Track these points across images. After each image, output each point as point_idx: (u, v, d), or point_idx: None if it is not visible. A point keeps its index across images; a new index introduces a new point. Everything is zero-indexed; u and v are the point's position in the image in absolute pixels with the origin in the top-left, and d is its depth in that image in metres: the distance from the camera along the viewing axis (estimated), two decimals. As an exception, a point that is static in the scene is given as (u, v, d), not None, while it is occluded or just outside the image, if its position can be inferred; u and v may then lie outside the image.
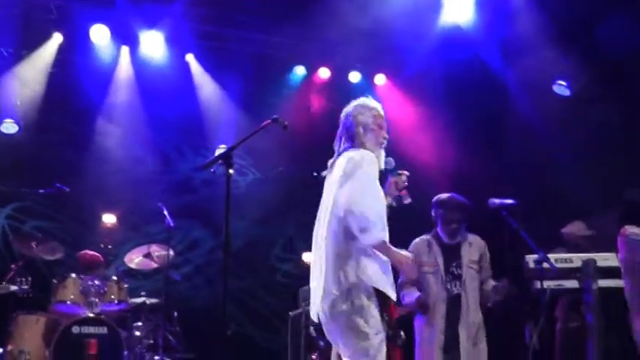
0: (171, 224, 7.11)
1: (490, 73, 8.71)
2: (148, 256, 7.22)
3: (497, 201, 5.32)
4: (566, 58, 7.95)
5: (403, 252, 3.79)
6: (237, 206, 8.44)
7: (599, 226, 6.80)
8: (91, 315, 6.69)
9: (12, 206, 8.53)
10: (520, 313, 5.69)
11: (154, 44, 8.89)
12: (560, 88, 8.17)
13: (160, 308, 7.04)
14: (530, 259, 5.38)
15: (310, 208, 9.84)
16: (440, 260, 5.54)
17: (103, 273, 7.20)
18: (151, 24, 8.76)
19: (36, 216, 8.49)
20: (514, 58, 8.49)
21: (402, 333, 3.79)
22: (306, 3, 8.00)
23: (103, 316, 6.72)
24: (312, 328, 7.26)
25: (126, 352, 6.62)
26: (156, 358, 6.77)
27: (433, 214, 5.72)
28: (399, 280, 5.54)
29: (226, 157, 4.01)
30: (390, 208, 3.99)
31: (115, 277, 7.07)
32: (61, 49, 8.65)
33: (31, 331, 6.62)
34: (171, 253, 7.19)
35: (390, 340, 3.62)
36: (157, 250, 7.24)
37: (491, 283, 5.64)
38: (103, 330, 6.60)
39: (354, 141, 3.91)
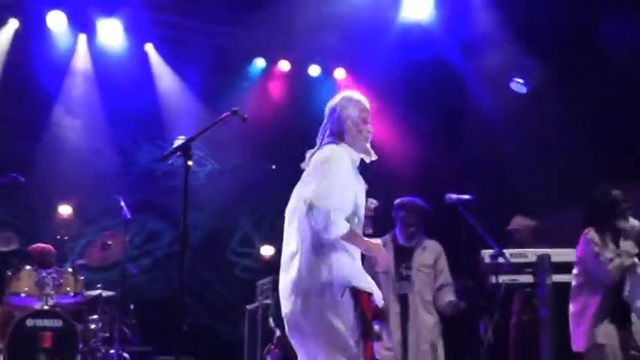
0: (128, 216, 7.04)
1: (449, 70, 8.79)
2: (104, 247, 7.12)
3: (454, 196, 5.37)
4: (524, 55, 8.06)
5: (373, 240, 3.79)
6: (197, 198, 8.42)
7: (555, 222, 6.94)
8: (46, 308, 6.58)
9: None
10: (475, 307, 5.77)
11: (111, 33, 8.77)
12: (518, 85, 8.28)
13: (116, 301, 6.96)
14: (486, 254, 5.50)
15: (268, 201, 9.91)
16: (391, 261, 5.61)
17: (58, 265, 7.08)
18: (109, 12, 8.65)
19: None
20: (473, 55, 8.59)
21: (376, 327, 3.81)
22: (267, -5, 8.01)
23: (58, 309, 6.61)
24: (270, 319, 7.30)
25: (81, 346, 6.53)
26: (111, 351, 6.70)
27: (393, 215, 5.79)
28: None
29: (185, 149, 3.96)
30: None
31: (70, 269, 6.95)
32: (17, 36, 8.48)
33: (-16, 323, 6.51)
34: (128, 245, 7.12)
35: (364, 335, 3.62)
36: (113, 242, 7.14)
37: (450, 297, 5.70)
38: (58, 323, 6.48)
39: (337, 135, 3.87)
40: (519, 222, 6.58)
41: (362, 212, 3.79)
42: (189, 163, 3.94)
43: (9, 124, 8.49)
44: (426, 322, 5.61)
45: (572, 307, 5.15)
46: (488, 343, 5.41)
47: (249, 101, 9.21)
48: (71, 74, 8.80)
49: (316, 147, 3.88)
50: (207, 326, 8.85)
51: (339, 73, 9.72)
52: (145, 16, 8.71)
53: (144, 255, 8.86)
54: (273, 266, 8.57)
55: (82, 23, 8.73)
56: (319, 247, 3.62)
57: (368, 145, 3.91)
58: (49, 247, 7.19)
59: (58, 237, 7.29)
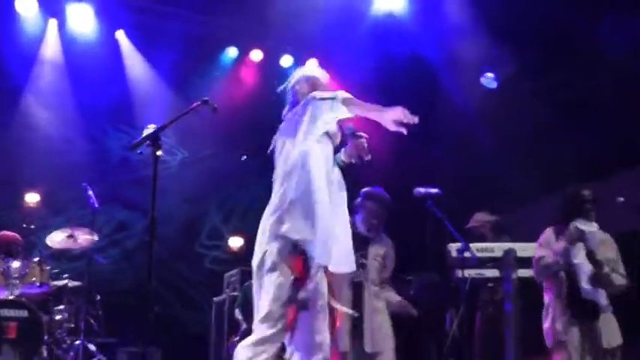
0: (96, 205, 6.97)
1: (422, 62, 8.82)
2: (71, 237, 7.03)
3: (422, 190, 5.37)
4: (497, 48, 8.09)
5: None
6: (167, 188, 8.38)
7: (527, 216, 7.00)
8: (11, 298, 6.49)
9: None
10: (441, 300, 5.81)
11: (82, 18, 8.67)
12: (488, 80, 8.30)
13: (82, 291, 6.89)
14: (453, 247, 5.48)
15: (238, 192, 9.85)
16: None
17: (24, 254, 6.99)
18: (80, -5, 8.57)
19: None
20: (446, 48, 8.61)
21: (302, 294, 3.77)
22: (240, -16, 7.96)
23: (23, 299, 6.51)
24: (237, 311, 7.29)
25: (46, 337, 6.46)
26: (77, 342, 6.62)
27: (358, 203, 5.76)
28: None
29: (154, 138, 3.91)
30: (350, 164, 4.07)
31: (36, 259, 6.87)
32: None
33: (-52, 313, 6.41)
34: (96, 235, 7.05)
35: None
36: (80, 232, 7.05)
37: (396, 297, 5.74)
38: (24, 313, 6.37)
39: None
40: (480, 218, 6.58)
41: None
42: (159, 152, 3.88)
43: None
44: (378, 307, 5.64)
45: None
46: (454, 336, 5.46)
47: (221, 90, 9.17)
48: (40, 61, 8.69)
49: None
50: (174, 317, 8.81)
51: (312, 64, 9.68)
52: (116, 1, 8.62)
53: (112, 245, 8.79)
54: (241, 258, 8.58)
55: (52, 8, 8.62)
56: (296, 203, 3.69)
57: None
58: (16, 235, 7.08)
59: (25, 226, 7.19)
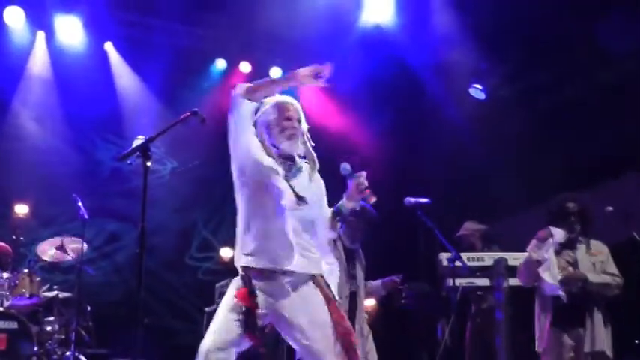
0: (86, 216, 6.97)
1: (410, 73, 8.88)
2: (61, 248, 7.02)
3: (412, 200, 5.43)
4: (484, 60, 8.17)
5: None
6: (158, 199, 8.35)
7: (515, 226, 7.06)
8: (1, 309, 6.46)
9: None
10: (432, 310, 5.85)
11: (71, 30, 8.67)
12: (476, 91, 8.37)
13: (72, 302, 6.87)
14: (444, 257, 5.54)
15: (227, 203, 9.80)
16: (343, 259, 5.67)
17: (14, 265, 6.96)
18: (69, 8, 8.56)
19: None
20: (433, 59, 8.68)
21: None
22: (229, -4, 8.00)
23: (13, 311, 6.50)
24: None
25: (36, 348, 6.43)
26: (67, 353, 6.59)
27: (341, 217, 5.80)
28: None
29: (144, 150, 3.93)
30: (354, 211, 4.03)
31: (26, 270, 6.84)
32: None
33: (-62, 324, 6.37)
34: (86, 246, 7.03)
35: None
36: (70, 243, 7.04)
37: (373, 282, 5.91)
38: (14, 325, 6.37)
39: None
40: (469, 227, 6.65)
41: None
42: (148, 164, 3.90)
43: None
44: (365, 316, 5.73)
45: None
46: (446, 345, 5.50)
47: (210, 102, 9.17)
48: (29, 72, 8.66)
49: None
50: (166, 328, 8.77)
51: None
52: (104, 13, 8.62)
53: (102, 256, 8.74)
54: (232, 268, 8.56)
55: (40, 20, 8.61)
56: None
57: (295, 142, 3.90)
58: (6, 246, 7.07)
59: (14, 237, 7.16)
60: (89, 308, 7.08)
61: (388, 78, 8.88)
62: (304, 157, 3.96)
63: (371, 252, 5.87)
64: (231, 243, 9.58)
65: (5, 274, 6.69)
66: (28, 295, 6.74)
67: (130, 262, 8.60)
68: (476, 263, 5.64)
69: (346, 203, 3.86)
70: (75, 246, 7.00)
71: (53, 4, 8.52)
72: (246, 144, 3.81)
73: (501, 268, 5.57)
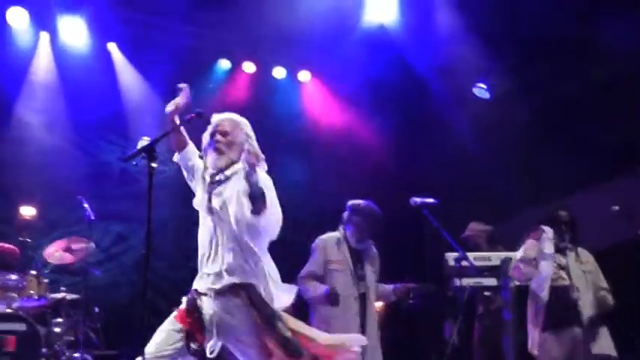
0: (92, 217, 6.98)
1: (413, 73, 8.89)
2: (67, 250, 7.03)
3: (418, 200, 5.45)
4: (488, 59, 8.17)
5: None
6: (165, 198, 8.35)
7: (518, 226, 7.08)
8: (9, 311, 6.47)
9: None
10: (439, 310, 5.87)
11: (74, 31, 8.66)
12: (481, 91, 8.37)
13: (80, 304, 6.88)
14: (450, 257, 5.54)
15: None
16: (349, 260, 5.68)
17: (21, 267, 6.96)
18: (72, 9, 8.55)
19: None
20: (437, 59, 8.69)
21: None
22: (233, -4, 8.01)
23: (21, 312, 6.49)
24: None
25: (45, 350, 6.44)
26: (76, 355, 6.61)
27: (346, 217, 5.82)
28: (300, 274, 5.68)
29: (149, 150, 3.95)
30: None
31: (34, 272, 6.85)
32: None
33: (-54, 327, 6.39)
34: (92, 247, 7.05)
35: None
36: (77, 244, 7.05)
37: (386, 286, 5.91)
38: (22, 327, 6.37)
39: None
40: (475, 227, 6.67)
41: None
42: (154, 164, 3.93)
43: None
44: (376, 316, 5.73)
45: None
46: (453, 345, 5.51)
47: (214, 102, 9.18)
48: (32, 74, 8.65)
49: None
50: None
51: (304, 76, 9.76)
52: (108, 13, 8.62)
53: (109, 258, 8.74)
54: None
55: (43, 21, 8.61)
56: None
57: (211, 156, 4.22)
58: (14, 248, 7.07)
59: (21, 239, 7.17)
60: (97, 310, 7.10)
61: (391, 78, 8.89)
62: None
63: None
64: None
65: (13, 276, 6.68)
66: (36, 297, 6.75)
67: (138, 263, 8.60)
68: (482, 263, 5.65)
69: None
70: (81, 247, 7.01)
71: (57, 5, 8.51)
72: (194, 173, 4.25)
73: (508, 267, 5.58)
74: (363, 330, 5.54)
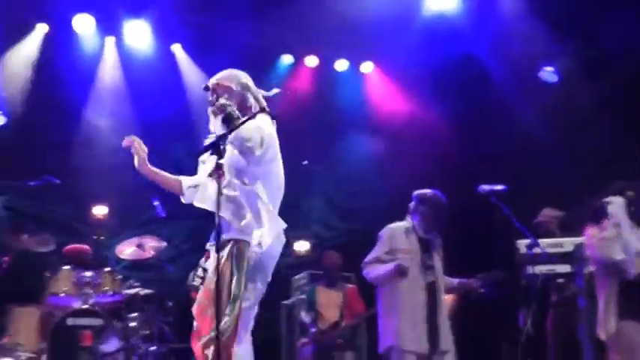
0: (163, 215, 7.11)
1: (476, 60, 8.78)
2: (140, 247, 7.17)
3: (487, 187, 5.39)
4: (553, 44, 8.01)
5: None
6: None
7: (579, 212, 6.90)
8: (86, 307, 6.68)
9: (1, 198, 8.43)
10: (512, 298, 5.77)
11: (139, 34, 8.84)
12: (548, 74, 8.21)
13: (154, 299, 7.03)
14: (522, 244, 5.45)
15: (301, 196, 9.81)
16: (418, 250, 5.65)
17: (95, 264, 7.15)
18: (136, 13, 8.72)
19: (25, 208, 8.39)
20: (500, 45, 8.56)
21: None
22: (293, -9, 8.04)
23: (97, 308, 6.70)
24: (303, 314, 7.37)
25: (121, 343, 6.60)
26: (151, 348, 6.76)
27: (413, 206, 5.79)
28: (364, 260, 5.67)
29: (216, 146, 3.98)
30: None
31: (108, 269, 7.04)
32: (45, 40, 8.56)
33: (25, 324, 6.60)
34: (164, 242, 7.19)
35: None
36: (149, 241, 7.20)
37: (454, 280, 5.88)
38: (98, 321, 6.58)
39: None
40: (548, 213, 6.54)
41: None
42: (221, 161, 3.97)
43: (41, 129, 8.52)
44: (446, 304, 5.72)
45: None
46: (528, 334, 5.41)
47: (277, 98, 9.22)
48: (99, 78, 8.86)
49: None
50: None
51: (366, 67, 9.74)
52: (171, 16, 8.76)
53: (182, 254, 8.87)
54: (308, 262, 8.63)
55: (109, 26, 8.81)
56: None
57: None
58: (85, 247, 7.28)
59: (95, 237, 7.36)
60: (170, 304, 7.23)
61: (453, 65, 8.79)
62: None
63: (445, 242, 5.85)
64: (305, 236, 9.69)
65: (88, 274, 6.89)
66: (110, 293, 6.94)
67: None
68: (555, 250, 5.53)
69: None
70: (154, 244, 7.15)
71: (121, 10, 8.69)
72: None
73: (582, 253, 5.43)
74: (430, 319, 5.50)
